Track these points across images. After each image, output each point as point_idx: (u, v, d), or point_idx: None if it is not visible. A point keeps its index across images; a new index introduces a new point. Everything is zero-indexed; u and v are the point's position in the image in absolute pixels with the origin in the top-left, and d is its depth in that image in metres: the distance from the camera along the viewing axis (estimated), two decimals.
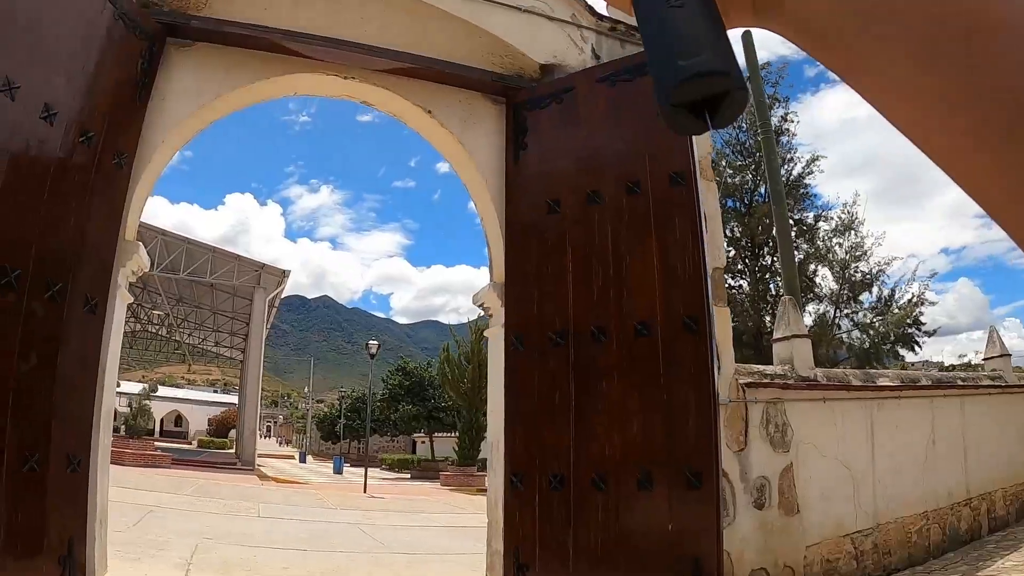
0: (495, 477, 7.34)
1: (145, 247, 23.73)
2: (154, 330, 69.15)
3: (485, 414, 39.72)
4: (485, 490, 27.11)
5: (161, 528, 11.72)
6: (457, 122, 8.03)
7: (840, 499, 9.27)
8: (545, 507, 6.60)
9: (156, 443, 43.26)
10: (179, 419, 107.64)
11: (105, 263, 6.65)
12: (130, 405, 32.71)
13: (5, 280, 5.54)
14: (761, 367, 9.52)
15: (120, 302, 6.95)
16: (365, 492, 25.61)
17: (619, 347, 6.63)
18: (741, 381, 8.35)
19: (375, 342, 27.68)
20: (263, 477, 31.90)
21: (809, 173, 28.93)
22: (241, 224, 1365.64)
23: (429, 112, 7.95)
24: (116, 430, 63.74)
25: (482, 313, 8.59)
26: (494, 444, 7.42)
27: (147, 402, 34.94)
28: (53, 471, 5.81)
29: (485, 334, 8.09)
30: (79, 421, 6.16)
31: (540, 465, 6.69)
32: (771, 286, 28.00)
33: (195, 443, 79.62)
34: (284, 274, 40.81)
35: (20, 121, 5.74)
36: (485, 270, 8.46)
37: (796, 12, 0.60)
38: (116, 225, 6.81)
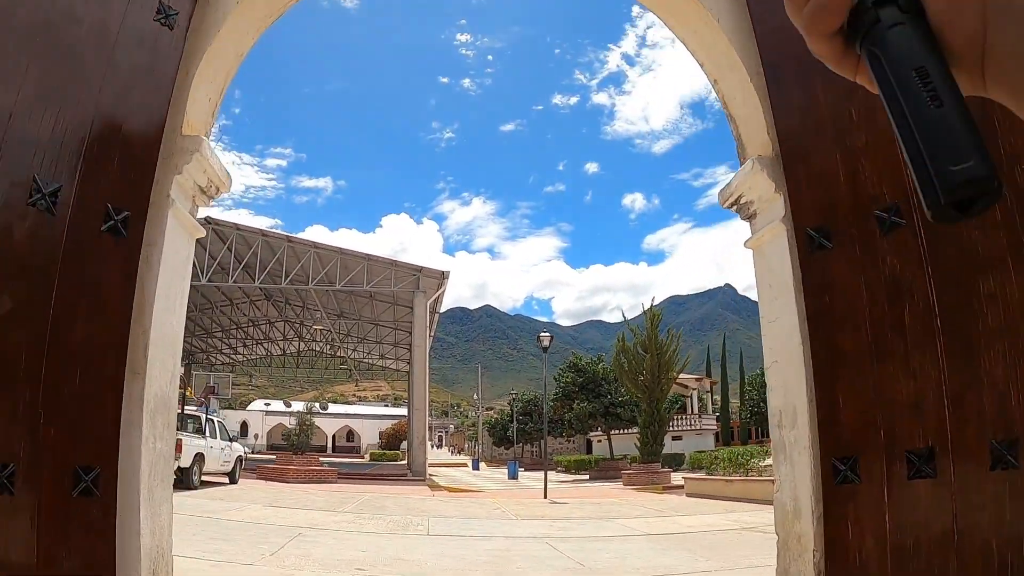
0: (791, 467, 4.43)
1: (298, 261, 22.09)
2: (319, 348, 69.10)
3: (680, 406, 37.48)
4: (675, 488, 24.38)
5: (304, 557, 9.33)
6: None
7: None
8: (901, 508, 3.73)
9: (321, 458, 41.97)
10: (351, 434, 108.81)
11: (142, 161, 4.17)
12: (299, 423, 31.23)
13: None
14: None
15: (176, 225, 4.49)
16: (545, 497, 23.08)
17: (1006, 214, 3.62)
18: None
19: (547, 334, 25.21)
20: (434, 487, 29.84)
21: None
22: (400, 244, 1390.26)
23: None
24: (281, 448, 63.90)
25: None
26: (785, 415, 4.53)
27: (310, 417, 33.25)
28: (47, 495, 3.34)
29: (747, 246, 5.15)
30: (95, 414, 3.67)
31: (886, 437, 3.79)
32: None
33: (367, 456, 79.38)
34: (443, 275, 38.89)
35: None
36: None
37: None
38: (160, 108, 4.34)
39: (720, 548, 11.07)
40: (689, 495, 23.23)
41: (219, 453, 22.43)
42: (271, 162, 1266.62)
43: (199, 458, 20.40)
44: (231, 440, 24.24)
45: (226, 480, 23.85)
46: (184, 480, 19.70)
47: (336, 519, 14.41)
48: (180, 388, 22.92)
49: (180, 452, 18.95)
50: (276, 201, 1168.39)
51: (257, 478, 28.34)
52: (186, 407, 24.12)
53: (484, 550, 10.77)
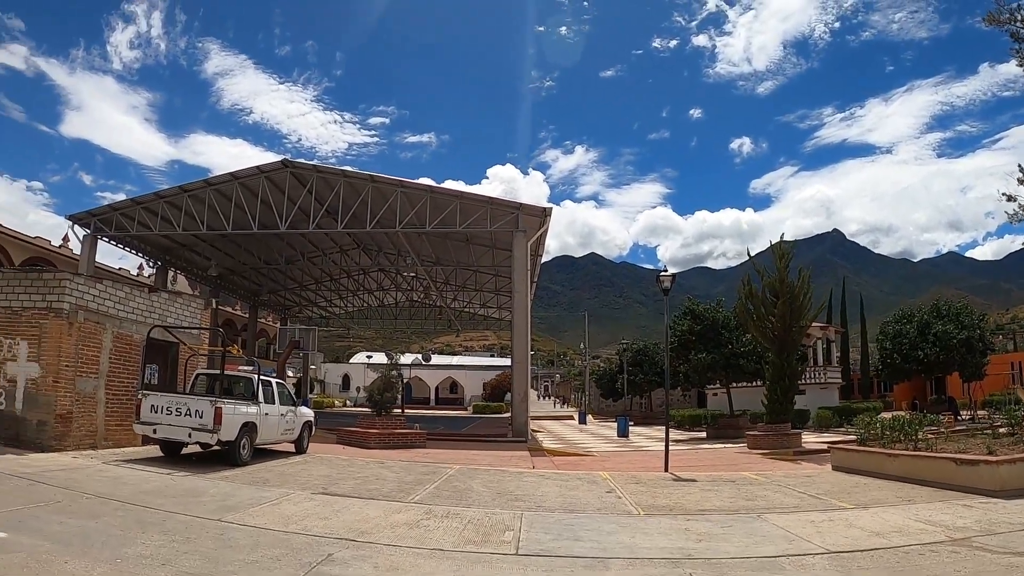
0: None
1: (385, 202, 18.06)
2: (417, 297, 66.84)
3: (800, 357, 33.07)
4: (807, 453, 19.98)
5: None
6: None
7: None
8: None
9: (421, 411, 38.78)
10: (454, 386, 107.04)
11: None
12: (382, 377, 28.12)
13: None
14: None
15: None
16: (667, 471, 19.19)
17: None
18: None
19: (668, 273, 21.34)
20: (535, 451, 26.33)
21: None
22: (508, 194, 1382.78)
23: None
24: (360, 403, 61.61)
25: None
26: None
27: (396, 372, 29.97)
28: None
29: None
30: None
31: None
32: None
33: (470, 409, 76.98)
34: (545, 213, 35.16)
35: None
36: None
37: None
38: None
39: None
40: (836, 468, 19.14)
41: (277, 421, 19.06)
42: (375, 120, 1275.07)
43: (248, 429, 17.07)
44: (295, 404, 20.90)
45: (292, 449, 20.79)
46: (229, 456, 16.61)
47: (396, 519, 10.79)
48: (222, 346, 19.67)
49: (220, 423, 15.85)
50: (380, 158, 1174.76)
51: (336, 442, 25.37)
52: (240, 368, 20.81)
53: None
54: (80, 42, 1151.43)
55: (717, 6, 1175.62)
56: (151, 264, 49.31)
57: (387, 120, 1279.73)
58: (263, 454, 18.97)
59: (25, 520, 9.05)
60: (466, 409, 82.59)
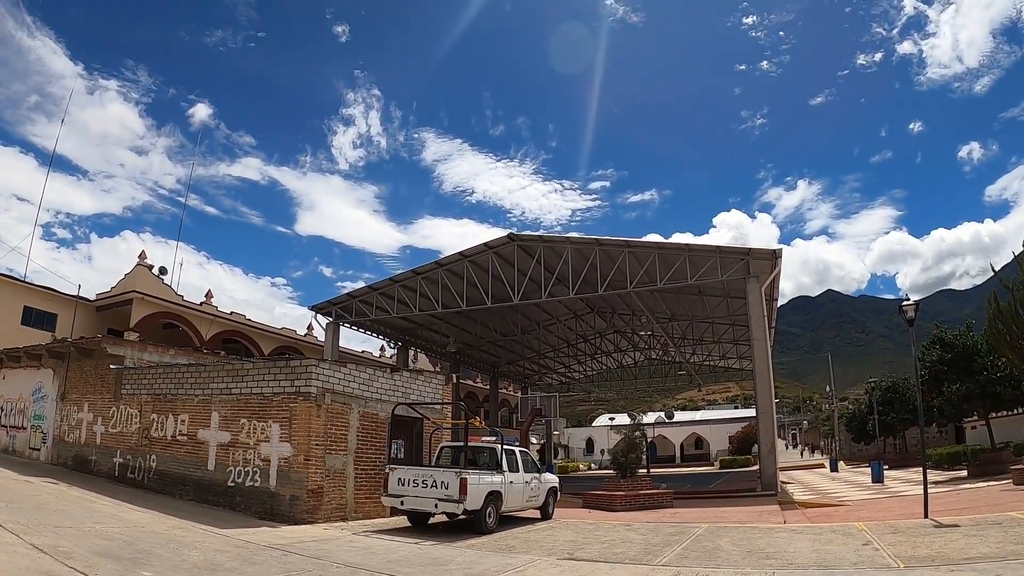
0: None
1: (613, 263, 17.38)
2: (655, 355, 66.67)
3: None
4: None
5: None
6: None
7: None
8: None
9: (668, 470, 38.44)
10: (699, 441, 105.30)
11: None
12: (625, 439, 28.05)
13: None
14: None
15: None
16: (927, 517, 18.16)
17: None
18: None
19: (911, 302, 20.34)
20: (785, 503, 25.49)
21: None
22: (737, 240, 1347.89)
23: None
24: (602, 464, 61.56)
25: None
26: None
27: (640, 434, 29.94)
28: None
29: None
30: None
31: None
32: None
33: (717, 464, 75.51)
34: (775, 255, 34.26)
35: None
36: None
37: None
38: None
39: None
40: None
41: (522, 488, 19.56)
42: (595, 184, 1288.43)
43: (493, 497, 17.69)
44: (539, 471, 21.31)
45: (538, 515, 21.19)
46: (475, 524, 17.27)
47: None
48: (464, 418, 20.24)
49: (465, 493, 16.52)
50: (604, 221, 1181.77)
51: (582, 506, 25.53)
52: (483, 439, 21.42)
53: None
54: (306, 148, 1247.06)
55: (915, 8, 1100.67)
56: (392, 345, 51.88)
57: (607, 183, 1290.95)
58: (509, 521, 19.43)
59: None
60: (712, 464, 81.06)
